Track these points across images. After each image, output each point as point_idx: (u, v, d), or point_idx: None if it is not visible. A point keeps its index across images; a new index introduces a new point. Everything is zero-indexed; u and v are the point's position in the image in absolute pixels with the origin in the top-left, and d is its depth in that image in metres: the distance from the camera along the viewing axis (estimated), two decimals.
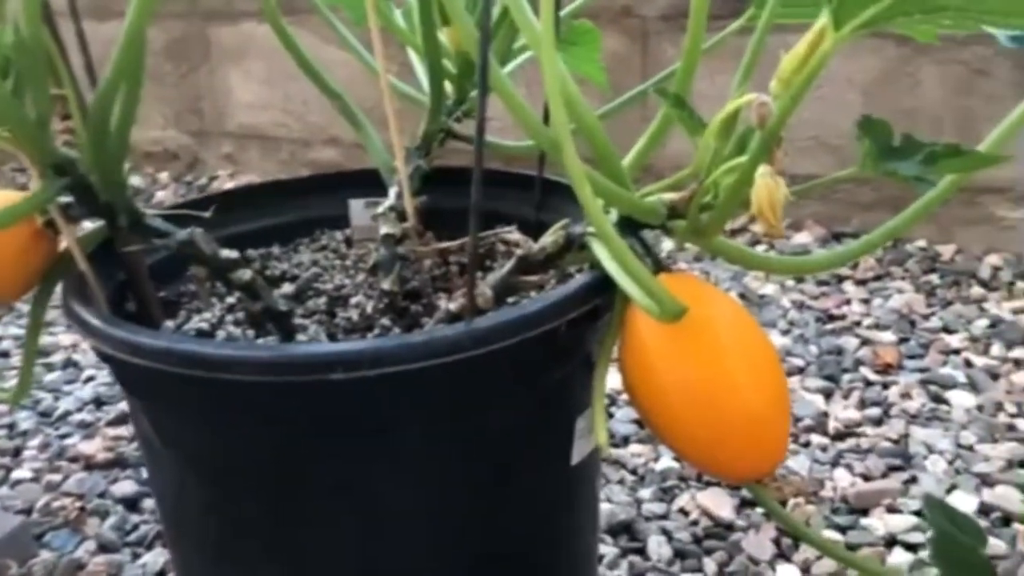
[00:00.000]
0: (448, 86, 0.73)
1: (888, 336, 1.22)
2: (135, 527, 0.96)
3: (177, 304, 0.69)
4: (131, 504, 0.99)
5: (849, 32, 0.43)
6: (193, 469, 0.58)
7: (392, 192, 0.68)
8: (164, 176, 2.07)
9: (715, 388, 0.51)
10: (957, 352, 1.18)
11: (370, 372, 0.49)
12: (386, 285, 0.65)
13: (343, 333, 0.64)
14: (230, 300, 0.68)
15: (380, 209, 0.68)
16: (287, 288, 0.70)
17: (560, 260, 0.59)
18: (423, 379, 0.51)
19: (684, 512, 0.94)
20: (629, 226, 0.56)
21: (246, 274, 0.62)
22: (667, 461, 1.01)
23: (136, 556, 0.92)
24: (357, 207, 0.75)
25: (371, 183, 0.73)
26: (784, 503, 0.91)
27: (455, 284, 0.68)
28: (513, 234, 0.64)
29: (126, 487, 1.02)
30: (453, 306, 0.59)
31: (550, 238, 0.58)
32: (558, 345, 0.54)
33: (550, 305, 0.53)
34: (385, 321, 0.64)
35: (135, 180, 2.03)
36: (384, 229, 0.66)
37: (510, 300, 0.62)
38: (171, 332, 0.64)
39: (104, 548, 0.93)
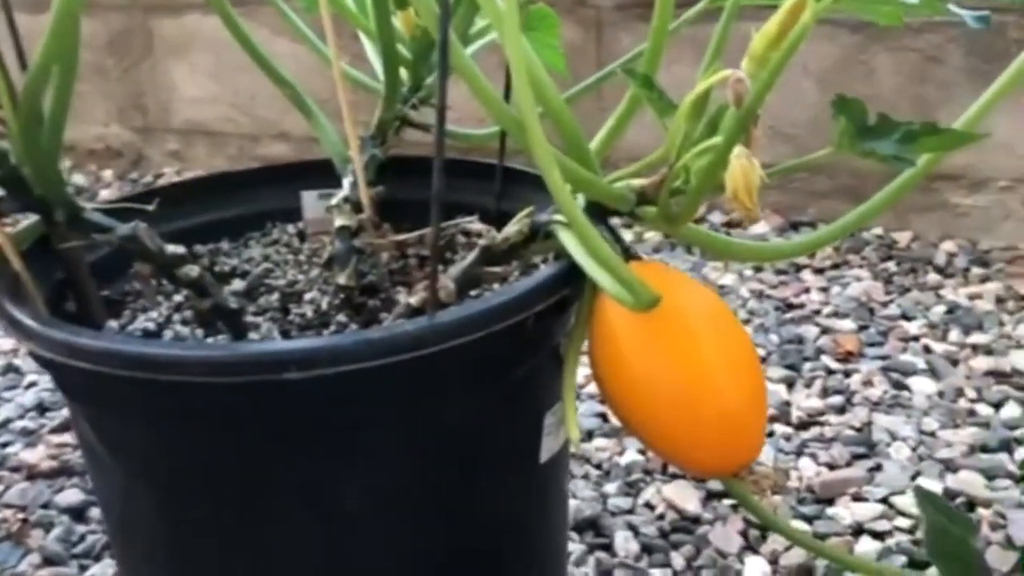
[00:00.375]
0: (403, 73, 0.71)
1: (848, 324, 1.21)
2: (82, 538, 0.92)
3: (121, 303, 0.66)
4: (77, 514, 0.95)
5: (831, 3, 0.41)
6: (141, 477, 0.55)
7: (346, 183, 0.66)
8: (108, 174, 2.01)
9: (690, 381, 0.49)
10: (916, 339, 1.17)
11: (327, 371, 0.47)
12: (342, 280, 0.63)
13: (297, 330, 0.62)
14: (177, 298, 0.65)
15: (334, 201, 0.65)
16: (237, 285, 0.67)
17: (525, 250, 0.57)
18: (383, 377, 0.49)
19: (650, 506, 0.93)
20: (596, 213, 0.54)
21: (193, 270, 0.59)
22: (632, 455, 0.99)
23: (83, 568, 0.88)
24: (310, 199, 0.72)
25: (324, 174, 0.71)
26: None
27: (414, 278, 0.66)
28: (475, 224, 0.61)
29: (71, 496, 0.97)
30: (414, 300, 0.57)
31: (514, 227, 0.55)
32: (525, 338, 0.53)
33: (517, 297, 0.51)
34: (341, 317, 0.62)
35: (78, 178, 1.97)
36: (339, 221, 0.64)
37: (472, 293, 0.60)
38: (115, 333, 0.61)
39: (49, 561, 0.89)
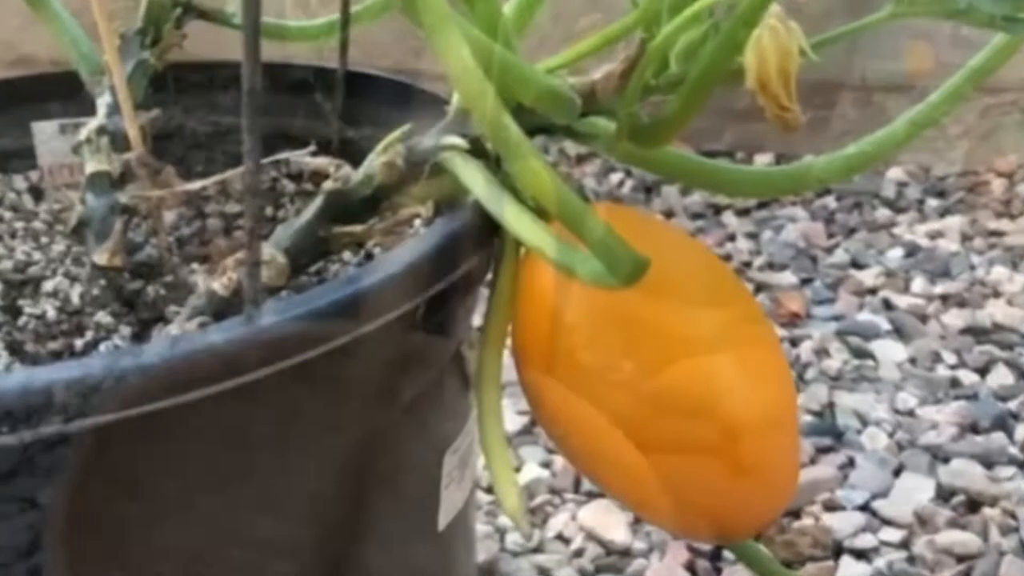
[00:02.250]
0: None
1: (787, 278, 1.16)
2: None
3: None
4: None
5: None
6: None
7: (102, 105, 0.56)
8: None
9: (684, 384, 0.38)
10: (873, 292, 1.13)
11: (69, 426, 0.33)
12: (101, 257, 0.52)
13: (34, 342, 0.51)
14: None
15: (84, 134, 0.56)
16: None
17: (396, 197, 0.44)
18: (174, 428, 0.35)
19: (563, 539, 0.84)
20: None
21: None
22: (533, 470, 0.90)
23: None
24: (46, 133, 0.62)
25: (68, 94, 0.61)
26: (803, 564, 0.80)
27: (217, 248, 0.57)
28: (311, 159, 0.49)
29: None
30: (219, 285, 0.45)
31: (381, 159, 0.43)
32: (412, 342, 0.40)
33: (396, 274, 0.38)
34: (104, 318, 0.51)
35: None
36: (92, 166, 0.55)
37: (313, 270, 0.50)
38: None
39: None
